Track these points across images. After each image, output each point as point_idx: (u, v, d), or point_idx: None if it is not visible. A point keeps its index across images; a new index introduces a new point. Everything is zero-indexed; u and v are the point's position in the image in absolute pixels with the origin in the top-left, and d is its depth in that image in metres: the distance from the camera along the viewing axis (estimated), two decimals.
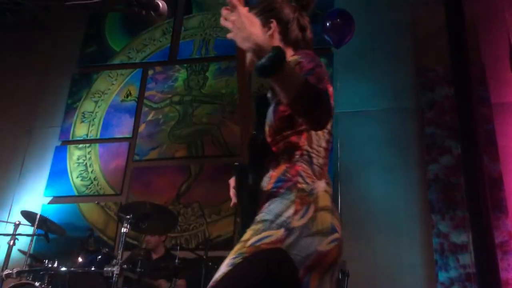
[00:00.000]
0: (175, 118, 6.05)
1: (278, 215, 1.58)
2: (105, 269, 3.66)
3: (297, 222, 1.55)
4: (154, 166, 5.85)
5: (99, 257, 3.85)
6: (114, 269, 3.62)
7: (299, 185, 1.62)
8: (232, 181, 1.89)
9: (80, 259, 3.85)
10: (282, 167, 1.67)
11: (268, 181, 1.68)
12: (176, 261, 4.22)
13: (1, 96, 6.63)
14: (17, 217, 4.62)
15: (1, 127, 6.43)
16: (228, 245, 5.15)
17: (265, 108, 1.77)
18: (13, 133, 6.39)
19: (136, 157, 5.92)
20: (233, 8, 1.51)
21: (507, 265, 4.43)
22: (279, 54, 1.41)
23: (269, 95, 1.80)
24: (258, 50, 1.44)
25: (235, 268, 1.53)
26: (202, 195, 5.49)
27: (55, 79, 6.67)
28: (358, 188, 5.12)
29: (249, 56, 1.71)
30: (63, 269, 3.80)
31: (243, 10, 1.51)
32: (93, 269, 3.79)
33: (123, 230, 3.88)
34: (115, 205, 5.61)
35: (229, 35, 1.53)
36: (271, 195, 1.65)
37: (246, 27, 1.47)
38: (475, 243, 4.39)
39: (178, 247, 4.38)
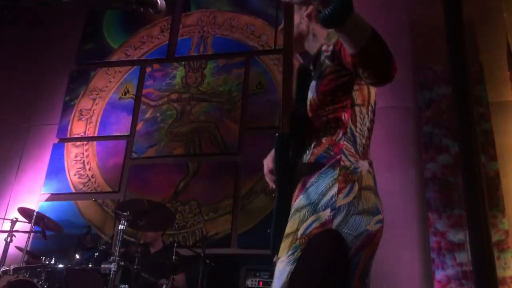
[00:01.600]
0: (173, 116, 6.04)
1: (322, 195, 1.53)
2: (102, 266, 3.66)
3: (342, 201, 1.51)
4: (151, 163, 5.84)
5: (96, 254, 3.87)
6: (111, 266, 3.63)
7: (342, 163, 1.57)
8: (268, 161, 1.80)
9: (77, 256, 3.86)
10: (325, 144, 1.62)
11: (309, 158, 1.63)
12: (174, 257, 4.22)
13: None
14: (14, 214, 4.62)
15: None
16: (226, 242, 5.16)
17: (307, 81, 1.71)
18: (10, 130, 6.37)
19: (134, 155, 5.92)
20: None
21: (504, 264, 4.44)
22: (344, 2, 1.32)
23: (311, 67, 1.74)
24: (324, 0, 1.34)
25: (299, 264, 1.47)
26: (199, 193, 5.49)
27: (53, 76, 6.66)
28: None
29: (297, 19, 1.67)
30: (60, 266, 3.81)
31: None
32: (90, 266, 3.80)
33: (120, 227, 3.88)
34: (113, 203, 5.60)
35: None
36: (313, 170, 1.59)
37: None
38: (472, 242, 4.39)
39: (175, 245, 4.38)
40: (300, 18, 1.83)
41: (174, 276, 4.16)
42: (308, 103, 1.67)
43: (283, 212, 1.62)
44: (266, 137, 5.07)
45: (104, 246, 4.06)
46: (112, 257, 3.71)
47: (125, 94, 6.35)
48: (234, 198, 5.35)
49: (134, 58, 6.58)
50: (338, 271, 1.47)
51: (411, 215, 4.90)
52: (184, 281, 4.52)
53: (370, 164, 1.64)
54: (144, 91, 6.29)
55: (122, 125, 6.15)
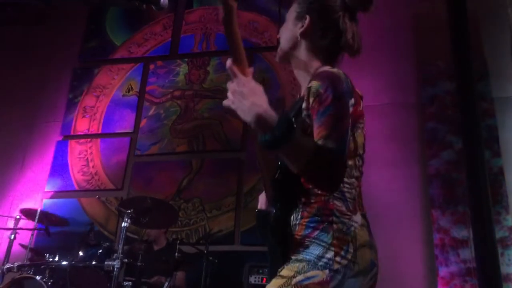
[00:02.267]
0: (176, 113, 6.04)
1: (320, 257, 1.51)
2: (105, 263, 3.67)
3: (338, 264, 1.49)
4: (155, 161, 5.85)
5: (100, 251, 3.87)
6: (115, 263, 3.63)
7: (335, 226, 1.54)
8: (262, 199, 1.82)
9: (80, 253, 3.87)
10: (314, 205, 1.58)
11: (299, 221, 1.59)
12: (176, 254, 4.23)
13: (2, 91, 6.63)
14: (18, 211, 4.63)
15: (3, 121, 6.43)
16: (229, 240, 5.17)
17: None
18: (14, 128, 6.39)
19: (137, 152, 5.92)
20: (233, 77, 1.36)
21: (508, 260, 4.43)
22: (285, 128, 1.29)
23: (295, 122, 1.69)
24: (262, 125, 1.31)
25: None
26: (203, 190, 5.49)
27: (56, 74, 6.67)
28: None
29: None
30: (64, 263, 3.82)
31: (244, 78, 1.36)
32: (93, 263, 3.80)
33: (124, 224, 3.89)
34: (116, 200, 5.61)
35: (226, 103, 1.37)
36: (306, 233, 1.56)
37: (248, 97, 1.33)
38: (475, 238, 4.39)
39: (178, 242, 4.39)
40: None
41: (175, 274, 4.17)
42: None
43: (273, 257, 1.63)
44: None
45: (107, 243, 4.06)
46: (115, 254, 3.72)
47: (128, 91, 6.35)
48: (237, 195, 5.35)
49: (137, 55, 6.57)
50: None
51: (414, 211, 4.89)
52: (184, 279, 4.52)
53: (363, 215, 1.63)
54: (148, 88, 6.29)
55: (125, 122, 6.16)
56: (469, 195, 4.56)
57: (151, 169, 5.77)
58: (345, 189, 1.59)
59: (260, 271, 4.32)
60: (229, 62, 1.37)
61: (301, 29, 1.74)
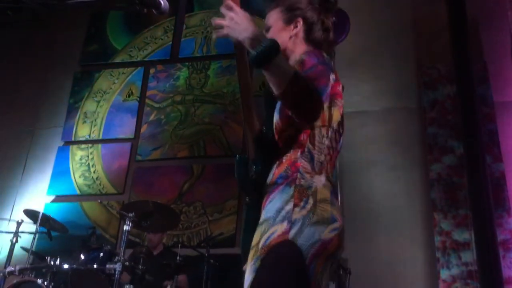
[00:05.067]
0: (177, 118, 6.05)
1: (279, 210, 1.64)
2: (107, 266, 3.67)
3: (297, 214, 1.61)
4: (156, 166, 5.85)
5: (101, 254, 3.86)
6: (116, 266, 3.63)
7: (297, 181, 1.68)
8: None
9: (82, 257, 3.86)
10: (284, 163, 1.74)
11: (271, 178, 1.75)
12: (178, 258, 4.23)
13: (3, 96, 6.64)
14: (19, 215, 4.63)
15: (4, 127, 6.44)
16: (230, 243, 5.17)
17: (274, 106, 1.82)
18: (15, 133, 6.40)
19: (139, 157, 5.93)
20: (229, 8, 1.61)
21: (510, 263, 4.42)
22: (272, 44, 1.51)
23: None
24: (255, 40, 1.53)
25: (258, 273, 1.59)
26: (204, 194, 5.49)
27: (57, 78, 6.68)
28: (361, 188, 5.12)
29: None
30: (66, 266, 3.82)
31: (239, 9, 1.62)
32: (95, 266, 3.80)
33: (125, 228, 3.89)
34: (118, 204, 5.62)
35: (222, 32, 1.61)
36: (271, 190, 1.72)
37: (244, 21, 1.58)
38: (477, 241, 4.39)
39: (180, 245, 4.39)
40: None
41: (177, 277, 4.17)
42: (274, 125, 1.79)
43: (249, 226, 1.79)
44: None
45: (109, 247, 4.06)
46: (117, 258, 3.72)
47: (129, 96, 6.36)
48: (239, 199, 5.35)
49: (138, 59, 6.58)
50: (294, 278, 1.57)
51: (416, 215, 4.90)
52: (186, 281, 4.53)
53: (328, 178, 1.74)
54: (148, 92, 6.30)
55: (126, 128, 6.16)
56: (471, 199, 4.57)
57: (153, 174, 5.78)
58: (314, 152, 1.74)
59: None
60: None
61: (295, 31, 1.93)
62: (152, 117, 6.13)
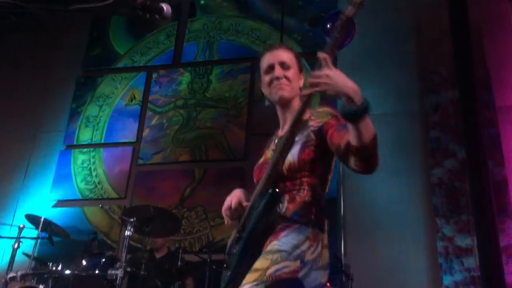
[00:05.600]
0: (179, 122, 6.05)
1: (295, 247, 1.78)
2: (109, 272, 3.66)
3: (309, 256, 1.77)
4: (158, 170, 5.85)
5: (103, 260, 3.85)
6: (118, 272, 3.62)
7: (313, 224, 1.84)
8: (233, 199, 2.13)
9: (84, 262, 3.84)
10: (299, 202, 1.87)
11: (284, 211, 1.87)
12: (179, 262, 4.22)
13: (5, 100, 6.65)
14: (21, 220, 4.62)
15: (6, 131, 6.44)
16: None
17: (290, 145, 1.93)
18: (17, 137, 6.40)
19: (140, 161, 5.93)
20: (325, 63, 1.65)
21: None
22: (368, 103, 1.62)
23: (297, 137, 1.95)
24: (357, 94, 1.61)
25: None
26: (205, 199, 5.48)
27: (60, 83, 6.69)
28: (362, 192, 5.11)
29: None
30: (67, 272, 3.80)
31: (333, 66, 1.66)
32: (97, 272, 3.78)
33: (127, 233, 3.88)
34: (119, 209, 5.61)
35: (319, 89, 1.65)
36: (288, 223, 1.84)
37: (341, 75, 1.64)
38: (480, 247, 4.37)
39: (181, 250, 4.38)
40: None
41: (184, 281, 4.17)
42: (287, 164, 1.90)
43: (247, 253, 1.87)
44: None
45: (110, 252, 4.05)
46: (118, 263, 3.71)
47: (131, 101, 6.36)
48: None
49: (140, 64, 6.59)
50: None
51: (418, 220, 4.88)
52: (193, 285, 4.52)
53: (327, 223, 1.92)
54: (151, 97, 6.30)
55: (128, 132, 6.17)
56: (473, 204, 4.55)
57: (154, 178, 5.77)
58: (321, 198, 1.92)
59: None
60: (322, 53, 1.67)
61: (301, 82, 2.11)
62: (154, 121, 6.14)
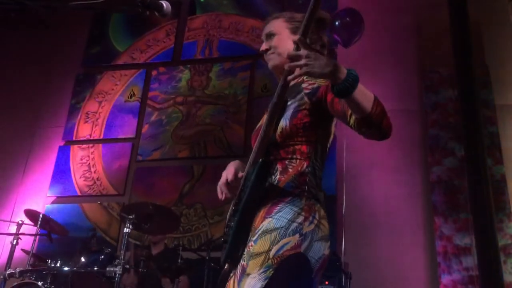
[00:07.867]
0: (178, 119, 6.05)
1: (291, 221, 1.70)
2: (107, 269, 3.66)
3: (307, 228, 1.70)
4: (157, 166, 5.85)
5: (102, 257, 3.85)
6: (117, 269, 3.63)
7: (306, 195, 1.76)
8: (229, 174, 2.00)
9: (82, 259, 3.85)
10: (291, 173, 1.79)
11: (277, 183, 1.79)
12: (179, 260, 4.23)
13: (5, 96, 6.64)
14: (20, 216, 4.63)
15: (5, 126, 6.44)
16: None
17: (282, 110, 1.85)
18: (16, 133, 6.39)
19: (139, 158, 5.93)
20: (304, 46, 1.58)
21: (511, 268, 4.42)
22: (354, 72, 1.57)
23: (290, 101, 1.88)
24: (340, 71, 1.56)
25: (272, 281, 1.63)
26: (204, 196, 5.48)
27: (59, 79, 6.69)
28: (361, 190, 5.11)
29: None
30: (66, 268, 3.81)
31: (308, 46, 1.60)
32: (95, 269, 3.79)
33: (126, 230, 3.89)
34: (118, 206, 5.61)
35: (301, 72, 1.58)
36: (281, 196, 1.76)
37: (319, 56, 1.58)
38: (478, 246, 4.38)
39: (181, 248, 4.38)
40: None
41: (179, 279, 4.16)
42: (279, 130, 1.82)
43: (244, 226, 1.80)
44: None
45: (109, 249, 4.05)
46: (117, 260, 3.71)
47: (131, 97, 6.36)
48: None
49: (140, 62, 6.59)
50: None
51: (416, 218, 4.89)
52: (188, 283, 4.52)
53: (324, 195, 1.84)
54: (150, 94, 6.30)
55: (127, 128, 6.16)
56: (471, 202, 4.56)
57: (153, 175, 5.77)
58: (317, 167, 1.83)
59: None
60: (298, 37, 1.60)
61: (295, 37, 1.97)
62: (153, 118, 6.13)
